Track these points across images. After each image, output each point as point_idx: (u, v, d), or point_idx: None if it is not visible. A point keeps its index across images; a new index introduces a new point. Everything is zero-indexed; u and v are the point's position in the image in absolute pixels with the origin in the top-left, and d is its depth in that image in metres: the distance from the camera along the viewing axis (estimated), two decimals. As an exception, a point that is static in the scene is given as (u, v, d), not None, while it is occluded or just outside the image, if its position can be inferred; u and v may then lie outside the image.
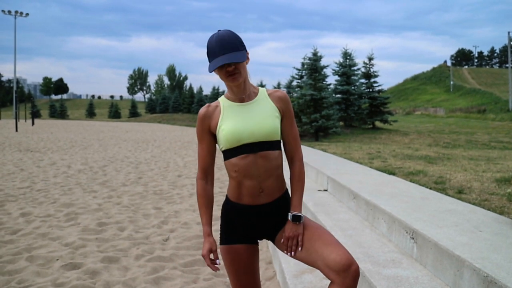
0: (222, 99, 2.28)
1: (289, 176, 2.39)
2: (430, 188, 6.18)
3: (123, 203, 7.54)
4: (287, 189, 2.34)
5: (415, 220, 4.26)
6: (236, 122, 2.17)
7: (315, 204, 5.88)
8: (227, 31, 2.13)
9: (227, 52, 2.07)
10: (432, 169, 8.31)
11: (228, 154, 2.20)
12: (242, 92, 2.22)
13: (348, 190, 6.04)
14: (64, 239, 5.43)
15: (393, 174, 7.67)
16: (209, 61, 2.13)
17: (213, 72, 2.17)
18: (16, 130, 32.77)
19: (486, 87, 71.99)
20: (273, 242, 2.34)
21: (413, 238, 4.00)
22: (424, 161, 10.01)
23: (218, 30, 2.15)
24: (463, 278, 3.14)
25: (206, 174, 2.30)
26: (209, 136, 2.25)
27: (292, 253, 2.18)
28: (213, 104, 2.27)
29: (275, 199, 2.25)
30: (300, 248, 2.16)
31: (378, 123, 27.38)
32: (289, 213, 2.24)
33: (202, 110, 2.25)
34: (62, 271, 4.38)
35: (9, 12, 59.59)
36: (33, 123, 46.28)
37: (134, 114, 78.27)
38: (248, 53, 2.21)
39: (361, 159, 10.33)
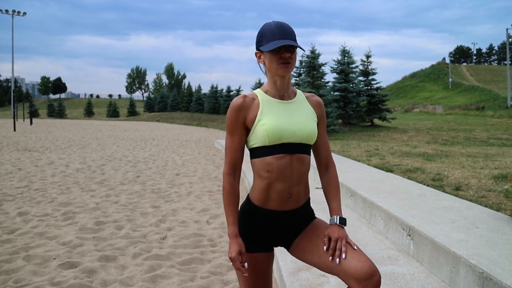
0: (259, 92, 2.15)
1: (322, 182, 2.29)
2: (428, 185, 6.19)
3: (121, 202, 7.53)
4: (309, 197, 2.25)
5: (412, 217, 4.26)
6: (278, 118, 2.06)
7: (312, 201, 5.86)
8: (285, 22, 2.08)
9: (288, 38, 2.01)
10: (430, 166, 8.31)
11: (262, 152, 2.07)
12: (285, 88, 2.14)
13: (346, 188, 6.05)
14: (61, 238, 5.42)
15: (391, 171, 7.68)
16: (263, 43, 2.04)
17: (258, 57, 2.10)
18: (14, 130, 32.73)
19: (485, 84, 72.04)
20: (288, 249, 2.23)
21: (409, 235, 4.00)
22: (422, 158, 10.02)
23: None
24: (459, 275, 3.14)
25: (235, 169, 2.14)
26: (242, 129, 2.10)
27: (343, 255, 1.96)
28: (250, 95, 2.13)
29: (300, 205, 2.16)
30: (344, 255, 1.98)
31: (376, 121, 27.38)
32: (334, 217, 2.12)
33: (238, 100, 2.09)
34: (59, 270, 4.37)
35: (7, 11, 59.50)
36: (31, 123, 46.22)
37: (132, 113, 78.19)
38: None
39: (359, 157, 10.33)
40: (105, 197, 7.94)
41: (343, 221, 2.10)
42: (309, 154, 2.15)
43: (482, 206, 4.86)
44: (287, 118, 2.08)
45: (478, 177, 6.79)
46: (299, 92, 2.23)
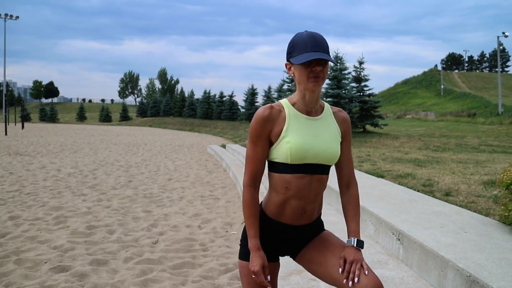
0: (286, 104, 2.05)
1: (342, 200, 2.22)
2: (418, 191, 6.24)
3: (113, 206, 7.53)
4: (321, 212, 2.23)
5: (402, 222, 4.31)
6: (303, 137, 1.99)
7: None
8: (318, 33, 1.98)
9: (320, 50, 1.91)
10: (421, 172, 8.38)
11: (283, 168, 2.01)
12: (314, 103, 2.05)
13: (336, 193, 6.08)
14: (52, 242, 5.41)
15: (382, 177, 7.74)
16: (294, 55, 1.95)
17: (288, 68, 2.02)
18: (6, 134, 32.54)
19: (476, 91, 72.64)
20: (294, 258, 2.23)
21: (399, 240, 4.04)
22: (413, 164, 10.09)
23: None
24: (447, 278, 3.18)
25: (256, 180, 2.06)
26: (266, 140, 2.02)
27: (356, 279, 1.93)
28: (276, 106, 2.03)
29: (312, 221, 2.14)
30: (367, 271, 1.95)
31: (368, 127, 27.51)
32: (352, 238, 2.06)
33: (265, 111, 2.00)
34: (50, 273, 4.37)
35: (-1, 15, 59.24)
36: (23, 127, 46.00)
37: (125, 117, 77.99)
38: None
39: (350, 162, 10.37)
40: (97, 202, 7.93)
41: (360, 244, 2.04)
42: (328, 173, 2.11)
43: (471, 211, 4.91)
44: (312, 137, 2.02)
45: (468, 183, 6.86)
46: (326, 106, 2.15)
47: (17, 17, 61.64)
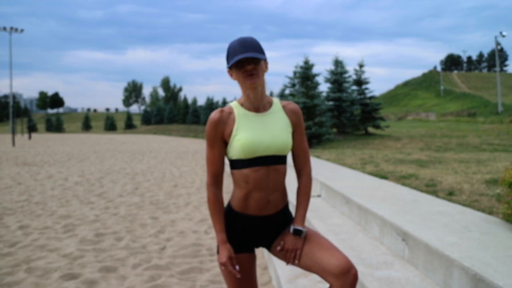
0: (235, 106, 2.21)
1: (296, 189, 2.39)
2: (421, 191, 6.28)
3: (120, 214, 7.60)
4: (288, 200, 2.35)
5: (406, 223, 4.35)
6: (252, 133, 2.14)
7: (308, 209, 5.96)
8: (250, 36, 2.14)
9: (248, 51, 2.06)
10: (424, 172, 8.42)
11: (239, 164, 2.16)
12: (259, 101, 2.19)
13: (341, 195, 6.13)
14: (62, 250, 5.48)
15: (385, 178, 7.77)
16: (228, 61, 2.12)
17: (230, 75, 2.16)
18: (13, 145, 32.70)
19: (476, 91, 72.64)
20: (269, 249, 2.35)
21: (404, 240, 4.09)
22: (416, 164, 10.13)
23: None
24: (453, 277, 3.22)
25: (217, 179, 2.24)
26: (221, 142, 2.19)
27: (289, 264, 2.21)
28: (226, 109, 2.20)
29: (278, 210, 2.26)
30: (297, 261, 2.19)
31: (370, 129, 27.55)
32: (291, 226, 2.23)
33: (216, 115, 2.17)
34: (60, 281, 4.44)
35: (4, 28, 59.71)
36: (30, 137, 46.26)
37: (129, 126, 78.34)
38: (267, 63, 2.20)
39: (354, 165, 10.43)
40: (104, 209, 8.00)
41: (297, 232, 2.20)
42: (285, 163, 2.24)
43: (475, 210, 4.95)
44: (262, 131, 2.16)
45: (470, 182, 6.89)
46: (275, 101, 2.28)
47: (22, 30, 62.16)
